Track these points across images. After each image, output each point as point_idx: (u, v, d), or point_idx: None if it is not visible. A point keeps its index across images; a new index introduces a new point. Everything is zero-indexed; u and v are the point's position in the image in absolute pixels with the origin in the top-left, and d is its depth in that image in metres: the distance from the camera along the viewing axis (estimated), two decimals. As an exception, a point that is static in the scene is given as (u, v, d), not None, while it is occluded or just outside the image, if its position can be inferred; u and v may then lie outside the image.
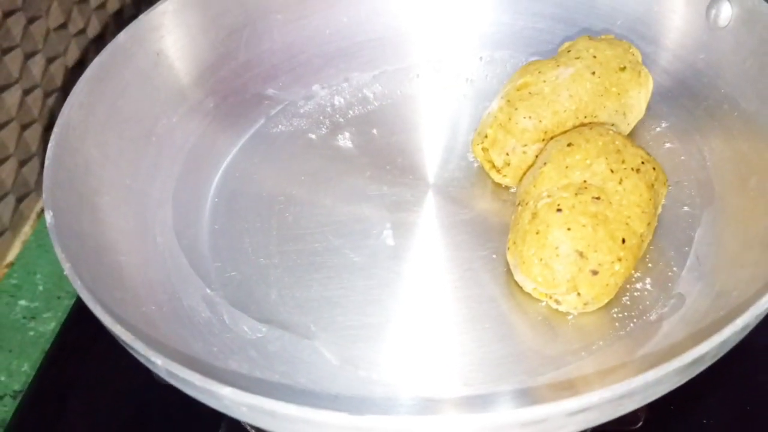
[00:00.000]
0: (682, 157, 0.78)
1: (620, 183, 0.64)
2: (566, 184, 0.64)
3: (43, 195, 0.64)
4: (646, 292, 0.67)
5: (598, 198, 0.63)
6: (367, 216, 0.76)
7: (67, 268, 0.57)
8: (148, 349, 0.53)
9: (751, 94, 0.74)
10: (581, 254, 0.62)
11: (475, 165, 0.80)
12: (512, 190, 0.77)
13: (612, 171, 0.65)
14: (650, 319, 0.65)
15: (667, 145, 0.79)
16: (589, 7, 0.89)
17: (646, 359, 0.62)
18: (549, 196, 0.64)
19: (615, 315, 0.66)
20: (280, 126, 0.87)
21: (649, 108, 0.80)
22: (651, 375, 0.47)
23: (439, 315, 0.68)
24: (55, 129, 0.69)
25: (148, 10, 0.82)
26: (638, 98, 0.76)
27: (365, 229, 0.75)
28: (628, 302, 0.66)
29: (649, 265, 0.68)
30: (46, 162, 0.66)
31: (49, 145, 0.67)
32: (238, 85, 0.89)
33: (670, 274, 0.68)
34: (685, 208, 0.73)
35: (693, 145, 0.78)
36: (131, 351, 0.56)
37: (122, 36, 0.79)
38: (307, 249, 0.74)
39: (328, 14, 0.94)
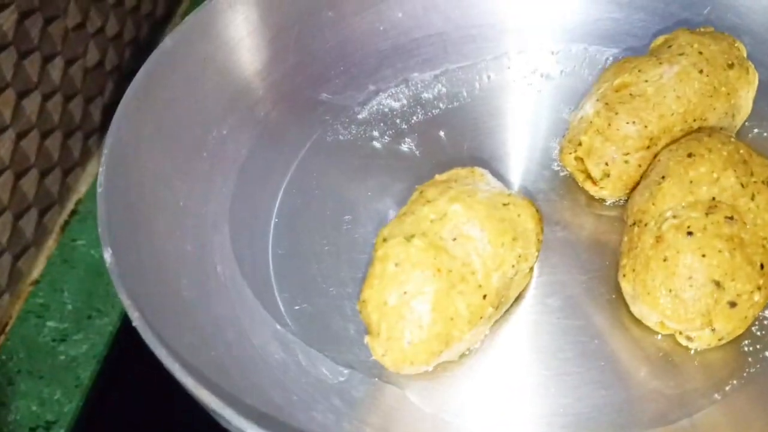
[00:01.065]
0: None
1: (752, 199, 0.56)
2: (692, 202, 0.56)
3: (99, 229, 0.56)
4: (775, 320, 0.59)
5: (731, 218, 0.55)
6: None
7: (135, 319, 0.50)
8: (234, 414, 0.46)
9: None
10: (718, 284, 0.54)
11: (562, 174, 0.72)
12: (608, 203, 0.69)
13: (742, 185, 0.57)
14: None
15: (774, 148, 0.71)
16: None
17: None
18: (675, 217, 0.56)
19: (746, 348, 0.58)
20: (338, 135, 0.79)
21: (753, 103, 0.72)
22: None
23: (540, 352, 0.60)
24: (105, 151, 0.61)
25: (194, 11, 0.74)
26: (746, 98, 0.68)
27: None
28: (759, 332, 0.59)
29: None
30: (99, 190, 0.58)
31: (101, 170, 0.59)
32: (288, 91, 0.81)
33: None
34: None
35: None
36: (207, 409, 0.49)
37: (168, 41, 0.71)
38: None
39: (381, 9, 0.86)
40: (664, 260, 0.55)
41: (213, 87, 0.75)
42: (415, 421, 0.57)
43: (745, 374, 0.56)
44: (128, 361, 0.72)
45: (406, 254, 0.55)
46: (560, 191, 0.71)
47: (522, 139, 0.77)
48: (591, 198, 0.69)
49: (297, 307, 0.65)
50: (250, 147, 0.76)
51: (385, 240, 0.57)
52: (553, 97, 0.80)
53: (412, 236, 0.56)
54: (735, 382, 0.56)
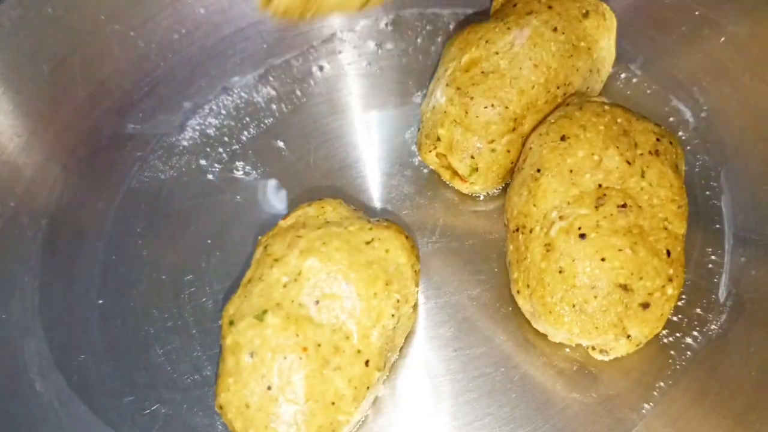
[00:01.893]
0: (672, 103, 0.63)
1: (643, 176, 0.49)
2: (577, 196, 0.48)
3: None
4: (692, 296, 0.53)
5: (624, 206, 0.47)
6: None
7: None
8: None
9: (736, 11, 0.60)
10: (625, 288, 0.46)
11: (426, 171, 0.63)
12: (483, 198, 0.60)
13: (629, 162, 0.49)
14: (711, 331, 0.51)
15: (646, 91, 0.64)
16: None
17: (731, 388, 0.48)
18: (562, 218, 0.48)
19: (666, 340, 0.51)
20: (158, 172, 0.65)
21: (611, 51, 0.64)
22: None
23: (443, 400, 0.52)
24: None
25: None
26: (609, 46, 0.60)
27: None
28: (675, 317, 0.52)
29: (687, 262, 0.54)
30: None
31: None
32: (86, 130, 0.67)
33: (713, 260, 0.54)
34: (697, 172, 0.59)
35: (677, 86, 0.63)
36: None
37: None
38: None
39: (177, 8, 0.72)
40: (560, 272, 0.47)
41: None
42: None
43: (670, 372, 0.49)
44: None
45: (261, 339, 0.44)
46: (428, 192, 0.62)
47: (373, 136, 0.66)
48: (464, 194, 0.60)
49: (147, 412, 0.53)
50: (51, 215, 0.62)
51: (232, 323, 0.46)
52: (398, 78, 0.69)
53: (264, 312, 0.45)
54: (662, 384, 0.49)
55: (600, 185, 0.48)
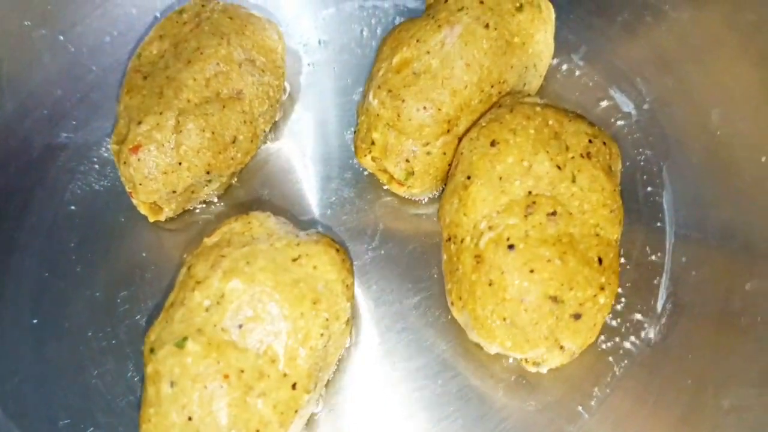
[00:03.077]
0: (612, 95, 0.61)
1: (573, 181, 0.47)
2: (507, 204, 0.47)
3: None
4: (631, 299, 0.52)
5: (554, 213, 0.46)
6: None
7: None
8: None
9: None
10: (555, 299, 0.45)
11: (366, 174, 0.61)
12: (424, 201, 0.59)
13: (559, 167, 0.47)
14: (649, 335, 0.51)
15: (588, 84, 0.62)
16: None
17: (681, 392, 0.47)
18: (491, 228, 0.46)
19: (604, 347, 0.50)
20: (91, 184, 0.63)
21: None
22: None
23: (382, 418, 0.51)
24: None
25: None
26: (545, 39, 0.58)
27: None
28: (615, 323, 0.51)
29: (627, 264, 0.53)
30: None
31: None
32: (16, 143, 0.64)
33: (652, 260, 0.53)
34: (637, 167, 0.58)
35: (620, 77, 0.62)
36: None
37: None
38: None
39: (107, 9, 0.69)
40: (490, 285, 0.45)
41: None
42: None
43: (609, 379, 0.49)
44: None
45: (181, 367, 0.43)
46: (368, 196, 0.60)
47: (312, 137, 0.64)
48: (404, 198, 0.59)
49: (77, 440, 0.51)
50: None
51: (152, 351, 0.44)
52: (337, 73, 0.67)
53: (185, 339, 0.43)
54: (599, 393, 0.48)
55: (530, 192, 0.46)
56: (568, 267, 0.45)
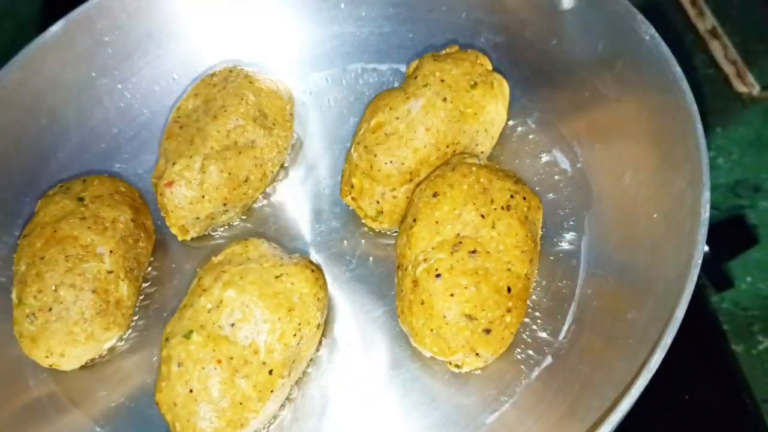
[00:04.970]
0: (555, 156, 0.75)
1: (493, 227, 0.61)
2: (440, 243, 0.61)
3: None
4: (544, 321, 0.65)
5: (474, 251, 0.60)
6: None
7: None
8: None
9: (610, 81, 0.72)
10: (470, 317, 0.59)
11: (351, 209, 0.76)
12: (392, 233, 0.73)
13: (483, 216, 0.61)
14: (556, 351, 0.64)
15: (535, 144, 0.76)
16: (431, 4, 0.84)
17: (563, 399, 0.60)
18: (425, 260, 0.61)
19: (519, 356, 0.64)
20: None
21: (512, 106, 0.76)
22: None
23: (347, 388, 0.65)
24: None
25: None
26: (497, 110, 0.72)
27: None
28: (529, 338, 0.65)
29: (540, 292, 0.66)
30: None
31: None
32: (79, 171, 0.81)
33: (564, 292, 0.66)
34: (568, 214, 0.71)
35: (562, 140, 0.75)
36: None
37: None
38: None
39: (156, 67, 0.86)
40: (422, 303, 0.59)
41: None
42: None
43: (524, 378, 0.62)
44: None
45: (186, 353, 0.58)
46: (351, 227, 0.75)
47: (313, 178, 0.79)
48: (377, 231, 0.73)
49: (113, 403, 0.67)
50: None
51: (167, 340, 0.60)
52: (341, 126, 0.82)
53: (191, 332, 0.59)
54: (517, 387, 0.62)
55: (458, 234, 0.61)
56: (481, 293, 0.59)
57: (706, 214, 0.56)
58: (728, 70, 1.06)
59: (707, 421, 0.74)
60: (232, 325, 0.59)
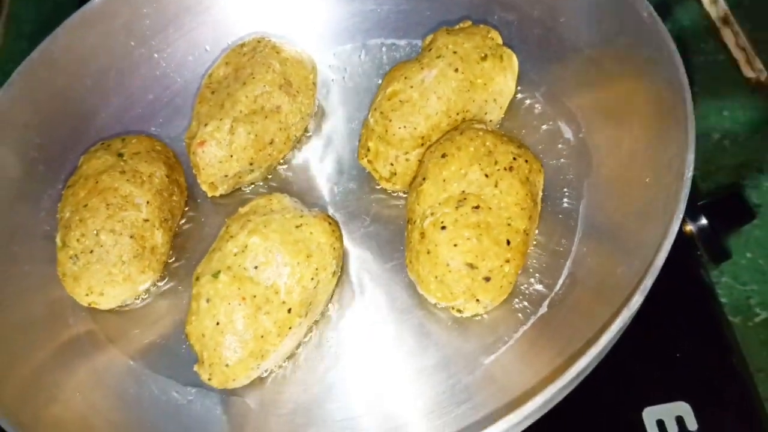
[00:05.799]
0: (558, 126, 0.80)
1: (496, 186, 0.67)
2: (446, 199, 0.67)
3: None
4: (542, 275, 0.71)
5: (477, 207, 0.66)
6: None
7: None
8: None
9: (613, 57, 0.77)
10: (471, 266, 0.65)
11: (366, 172, 0.81)
12: (404, 195, 0.79)
13: (486, 176, 0.67)
14: (551, 303, 0.69)
15: (541, 116, 0.81)
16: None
17: (557, 344, 0.66)
18: (432, 214, 0.66)
19: (517, 306, 0.69)
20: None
21: (521, 80, 0.81)
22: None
23: (358, 332, 0.71)
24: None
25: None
26: (505, 81, 0.77)
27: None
28: (527, 291, 0.70)
29: (539, 250, 0.72)
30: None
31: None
32: (120, 131, 0.88)
33: (560, 251, 0.72)
34: (568, 179, 0.76)
35: (566, 111, 0.80)
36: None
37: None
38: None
39: (190, 39, 0.92)
40: (428, 253, 0.65)
41: (39, 147, 0.82)
42: (254, 422, 0.67)
43: (519, 327, 0.68)
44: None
45: (214, 290, 0.64)
46: (367, 188, 0.81)
47: (336, 143, 0.85)
48: (390, 193, 0.79)
49: (147, 340, 0.74)
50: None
51: (197, 279, 0.66)
52: (359, 96, 0.88)
53: (218, 272, 0.65)
54: (514, 334, 0.67)
55: (463, 191, 0.66)
56: (483, 244, 0.64)
57: (689, 173, 0.61)
58: (738, 56, 1.10)
59: (701, 387, 0.77)
60: (256, 267, 0.65)
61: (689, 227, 0.88)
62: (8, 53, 1.16)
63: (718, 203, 0.97)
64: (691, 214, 0.87)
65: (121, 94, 0.90)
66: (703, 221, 0.88)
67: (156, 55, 0.92)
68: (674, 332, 0.79)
